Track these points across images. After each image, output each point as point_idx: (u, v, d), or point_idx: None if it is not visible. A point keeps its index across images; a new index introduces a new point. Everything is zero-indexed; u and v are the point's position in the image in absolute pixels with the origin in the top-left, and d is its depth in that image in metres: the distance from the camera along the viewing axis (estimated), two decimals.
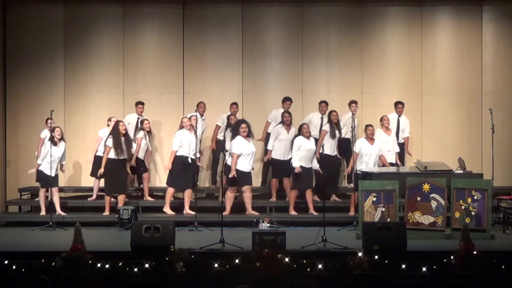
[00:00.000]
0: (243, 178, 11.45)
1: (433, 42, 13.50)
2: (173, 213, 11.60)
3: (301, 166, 11.34)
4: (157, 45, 13.53)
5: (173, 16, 13.50)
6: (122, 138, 11.54)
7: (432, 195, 10.22)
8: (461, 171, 10.88)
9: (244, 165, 11.42)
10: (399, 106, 12.66)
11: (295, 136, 11.57)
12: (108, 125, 12.27)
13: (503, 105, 13.27)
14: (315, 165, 11.56)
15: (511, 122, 13.32)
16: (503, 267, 8.30)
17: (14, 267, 8.41)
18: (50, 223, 11.18)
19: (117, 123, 11.70)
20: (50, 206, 11.52)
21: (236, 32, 13.48)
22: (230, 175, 11.42)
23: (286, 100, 12.57)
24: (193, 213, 11.38)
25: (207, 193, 13.08)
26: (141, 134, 12.15)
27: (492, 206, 10.44)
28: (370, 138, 11.45)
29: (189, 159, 11.54)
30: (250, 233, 9.07)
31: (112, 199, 11.72)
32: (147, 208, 12.35)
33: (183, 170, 11.54)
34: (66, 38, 13.43)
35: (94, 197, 12.34)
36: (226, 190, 11.55)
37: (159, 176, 13.28)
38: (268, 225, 9.36)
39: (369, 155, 11.36)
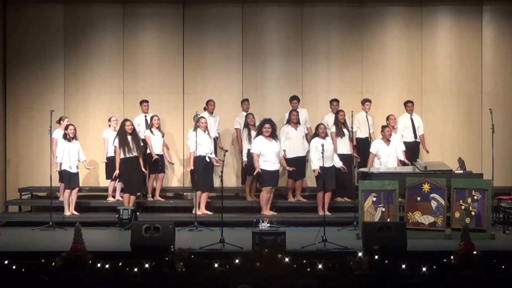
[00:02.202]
0: (271, 177, 11.46)
1: (433, 42, 13.50)
2: (211, 213, 11.52)
3: (321, 167, 11.33)
4: (157, 45, 13.53)
5: (173, 16, 13.49)
6: (129, 137, 11.58)
7: (432, 195, 10.22)
8: (461, 171, 10.88)
9: (269, 165, 11.39)
10: (409, 105, 12.71)
11: (312, 137, 11.59)
12: (109, 125, 12.27)
13: (503, 105, 13.27)
14: (338, 163, 11.57)
15: (511, 122, 13.32)
16: (503, 267, 8.30)
17: (14, 267, 8.40)
18: (50, 223, 11.18)
19: (123, 122, 11.73)
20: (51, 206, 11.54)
21: (236, 32, 13.48)
22: (255, 173, 11.46)
23: (293, 99, 12.60)
24: (210, 213, 11.41)
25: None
26: (147, 132, 12.16)
27: (492, 206, 10.44)
28: (387, 139, 11.46)
29: (207, 158, 11.51)
30: (250, 233, 9.07)
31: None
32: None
33: (205, 172, 11.46)
34: (66, 38, 13.43)
35: (110, 198, 12.30)
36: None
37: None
38: (268, 225, 9.36)
39: (386, 156, 11.40)
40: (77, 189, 11.70)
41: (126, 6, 13.48)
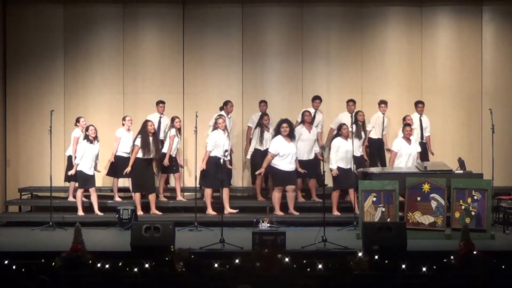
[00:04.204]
0: (287, 177, 11.42)
1: (433, 42, 13.49)
2: (215, 213, 11.46)
3: (339, 167, 11.30)
4: (157, 45, 13.53)
5: (173, 16, 13.50)
6: (151, 138, 11.59)
7: (432, 195, 10.23)
8: (461, 171, 10.88)
9: (285, 165, 11.34)
10: (419, 105, 12.72)
11: (333, 137, 11.57)
12: (123, 124, 12.27)
13: (503, 105, 13.27)
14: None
15: (511, 122, 13.31)
16: (503, 267, 8.30)
17: (14, 267, 8.41)
18: (50, 223, 11.19)
19: (145, 122, 11.72)
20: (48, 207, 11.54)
21: (236, 32, 13.48)
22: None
23: (316, 98, 12.56)
24: (235, 211, 11.41)
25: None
26: (173, 131, 12.11)
27: (492, 206, 10.45)
28: (407, 138, 11.46)
29: (222, 160, 11.41)
30: (250, 233, 9.08)
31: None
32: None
33: (217, 170, 11.35)
34: (66, 38, 13.43)
35: (116, 198, 12.30)
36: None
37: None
38: (268, 225, 9.36)
39: (408, 155, 11.39)
40: (94, 188, 11.67)
41: (126, 6, 13.48)
